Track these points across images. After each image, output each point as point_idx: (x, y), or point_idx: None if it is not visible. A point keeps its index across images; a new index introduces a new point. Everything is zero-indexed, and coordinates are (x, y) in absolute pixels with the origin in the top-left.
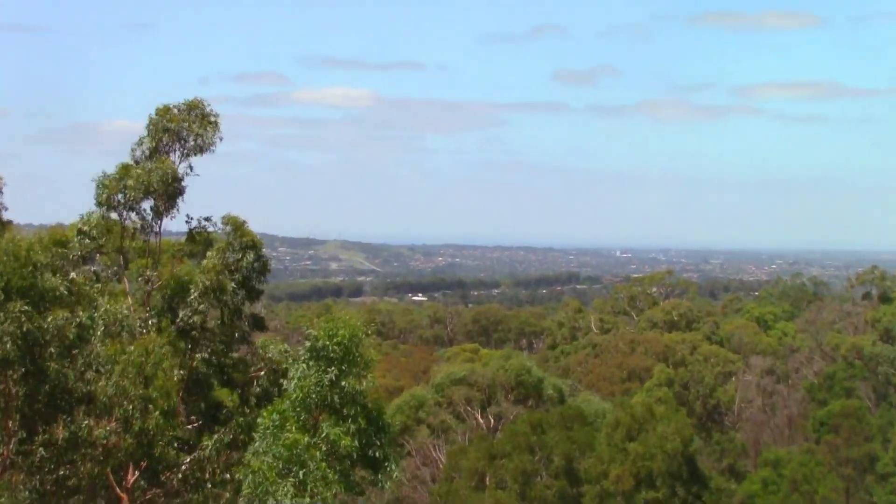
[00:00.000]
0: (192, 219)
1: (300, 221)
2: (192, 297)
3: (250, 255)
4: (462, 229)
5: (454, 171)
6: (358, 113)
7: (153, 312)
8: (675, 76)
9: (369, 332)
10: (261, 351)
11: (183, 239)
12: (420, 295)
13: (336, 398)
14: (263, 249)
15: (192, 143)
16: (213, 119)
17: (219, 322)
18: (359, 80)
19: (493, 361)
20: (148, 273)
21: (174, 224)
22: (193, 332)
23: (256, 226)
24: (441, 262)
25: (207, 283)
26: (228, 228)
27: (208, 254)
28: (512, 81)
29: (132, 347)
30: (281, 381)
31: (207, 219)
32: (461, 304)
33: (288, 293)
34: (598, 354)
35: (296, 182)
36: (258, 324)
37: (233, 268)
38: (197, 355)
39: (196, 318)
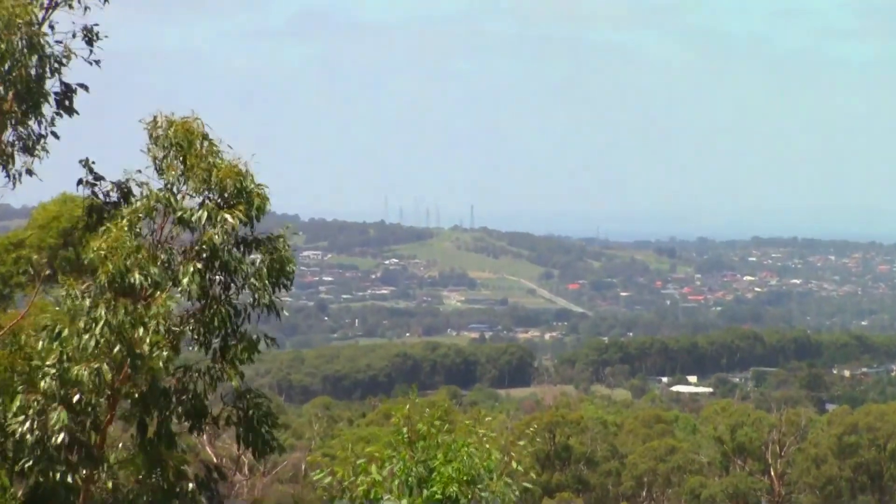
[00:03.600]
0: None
1: (363, 182)
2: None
3: (228, 224)
4: (805, 196)
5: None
6: None
7: None
8: None
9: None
10: None
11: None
12: (695, 378)
13: None
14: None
15: None
16: None
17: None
18: None
19: None
20: None
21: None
22: None
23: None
24: (748, 287)
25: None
26: (167, 152)
27: (106, 229)
28: None
29: None
30: None
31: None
32: (811, 404)
33: (328, 376)
34: None
35: (351, 81)
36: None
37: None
38: None
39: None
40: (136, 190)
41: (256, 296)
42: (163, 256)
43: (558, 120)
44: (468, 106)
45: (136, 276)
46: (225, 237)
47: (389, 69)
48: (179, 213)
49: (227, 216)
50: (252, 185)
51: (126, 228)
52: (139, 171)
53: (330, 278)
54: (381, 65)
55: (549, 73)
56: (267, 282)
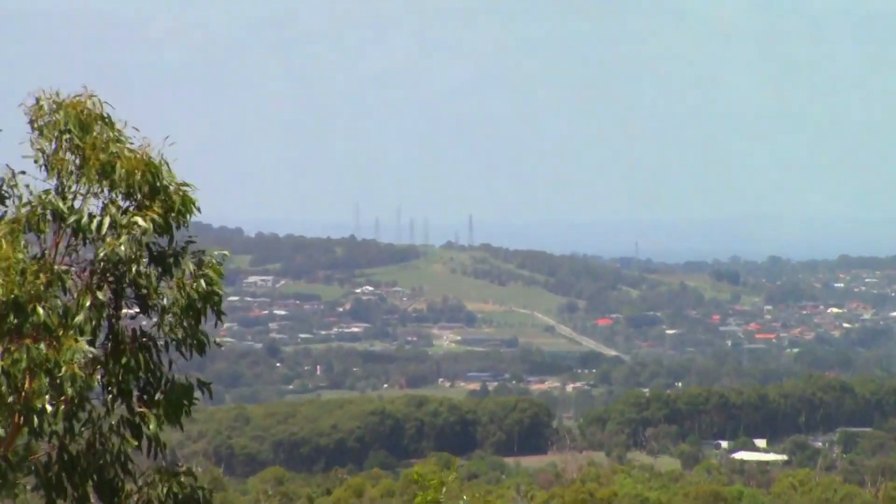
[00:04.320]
0: None
1: (327, 186)
2: None
3: (138, 229)
4: None
5: None
6: None
7: None
8: None
9: None
10: None
11: None
12: (764, 442)
13: None
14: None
15: None
16: None
17: None
18: None
19: None
20: None
21: None
22: None
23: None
24: (834, 323)
25: None
26: (57, 142)
27: None
28: None
29: None
30: None
31: None
32: None
33: (282, 440)
34: None
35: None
36: None
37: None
38: None
39: None
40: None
41: (170, 330)
42: (66, 282)
43: (583, 105)
44: (465, 87)
45: (39, 309)
46: (135, 249)
47: (361, 38)
48: (73, 220)
49: (138, 219)
50: (170, 181)
51: (10, 243)
52: (23, 172)
53: (283, 312)
54: (349, 32)
55: (573, 40)
56: (185, 313)
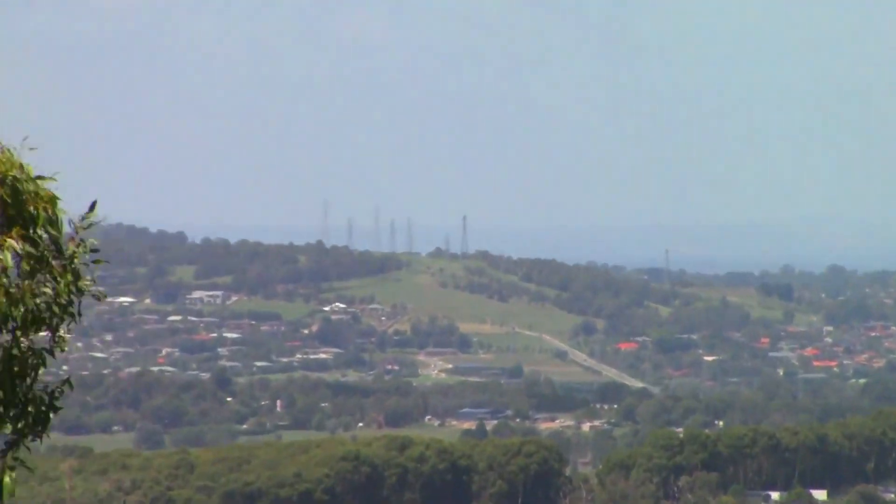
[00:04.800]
0: None
1: (289, 183)
2: None
3: None
4: None
5: None
6: None
7: None
8: None
9: None
10: None
11: None
12: (824, 493)
13: None
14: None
15: None
16: None
17: None
18: None
19: None
20: None
21: None
22: None
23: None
24: None
25: None
26: None
27: None
28: None
29: None
30: None
31: None
32: None
33: (234, 491)
34: None
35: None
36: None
37: None
38: None
39: None
40: None
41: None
42: None
43: (600, 89)
44: (457, 61)
45: None
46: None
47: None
48: None
49: None
50: (30, 186)
51: None
52: None
53: (235, 334)
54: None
55: (592, 16)
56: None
